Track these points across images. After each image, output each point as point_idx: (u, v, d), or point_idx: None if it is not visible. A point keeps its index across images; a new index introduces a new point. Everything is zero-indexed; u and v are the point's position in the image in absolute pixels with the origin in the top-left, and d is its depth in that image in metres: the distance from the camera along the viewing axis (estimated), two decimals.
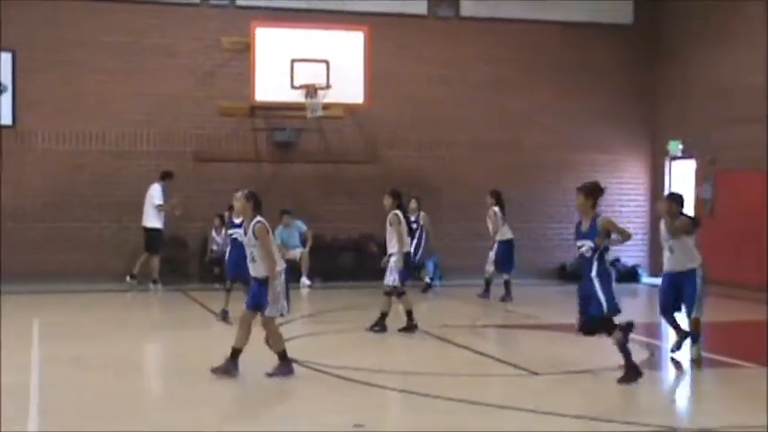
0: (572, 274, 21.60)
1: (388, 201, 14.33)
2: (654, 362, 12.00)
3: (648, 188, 23.20)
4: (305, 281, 20.11)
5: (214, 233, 20.11)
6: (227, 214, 15.16)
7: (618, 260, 22.71)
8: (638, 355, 11.97)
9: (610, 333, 10.57)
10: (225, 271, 15.62)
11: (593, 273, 10.53)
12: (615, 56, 22.98)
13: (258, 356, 11.04)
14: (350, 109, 20.51)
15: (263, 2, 20.88)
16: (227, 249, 15.12)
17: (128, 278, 19.52)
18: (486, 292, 18.33)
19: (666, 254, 11.94)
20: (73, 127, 20.40)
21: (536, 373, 10.97)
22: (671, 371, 11.93)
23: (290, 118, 20.69)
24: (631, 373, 10.52)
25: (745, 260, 19.85)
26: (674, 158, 22.65)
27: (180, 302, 18.20)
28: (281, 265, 10.83)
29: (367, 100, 19.79)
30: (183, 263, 20.85)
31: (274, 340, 10.92)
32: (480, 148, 22.24)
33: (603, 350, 11.23)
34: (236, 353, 10.84)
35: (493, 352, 12.72)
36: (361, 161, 21.46)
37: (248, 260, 10.92)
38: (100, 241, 20.41)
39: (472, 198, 19.66)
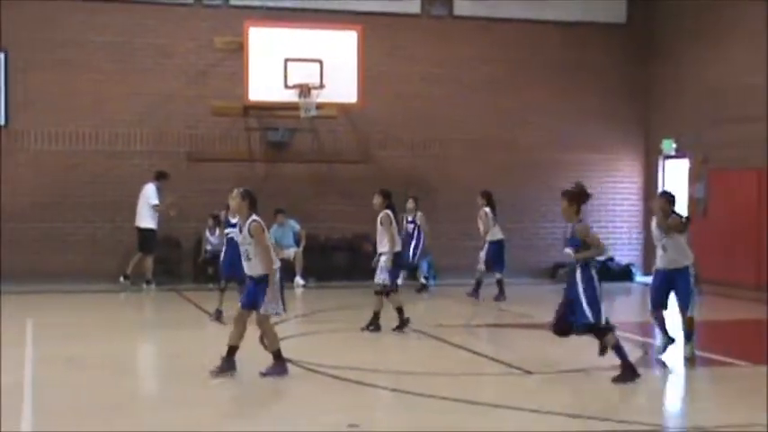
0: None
1: (377, 200, 14.34)
2: (647, 360, 12.00)
3: (642, 187, 23.22)
4: (299, 280, 20.10)
5: (208, 233, 20.11)
6: (223, 213, 15.15)
7: (612, 259, 22.76)
8: (632, 354, 12.00)
9: (602, 338, 10.56)
10: (219, 270, 15.61)
11: (578, 279, 10.52)
12: (609, 55, 23.00)
13: (253, 356, 11.04)
14: (343, 108, 20.50)
15: (256, 1, 20.83)
16: (223, 249, 15.09)
17: (121, 278, 19.48)
18: (475, 292, 18.34)
19: (659, 252, 11.95)
20: (66, 127, 20.36)
21: (530, 373, 10.97)
22: (666, 369, 11.92)
23: (283, 118, 20.67)
24: (628, 372, 10.52)
25: (739, 259, 19.89)
26: (668, 157, 22.67)
27: (174, 302, 18.17)
28: (275, 264, 10.83)
29: (360, 99, 19.77)
30: (177, 263, 20.81)
31: (269, 339, 10.92)
32: (474, 148, 22.25)
33: (594, 350, 11.21)
34: (232, 350, 10.86)
35: (487, 351, 12.72)
36: (354, 161, 21.45)
37: (243, 259, 10.92)
38: (93, 241, 20.37)
39: (466, 197, 19.65)
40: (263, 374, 10.72)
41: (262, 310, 10.74)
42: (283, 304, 10.90)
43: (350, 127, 21.53)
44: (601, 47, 22.94)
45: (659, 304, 12.01)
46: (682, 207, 21.51)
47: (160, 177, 19.81)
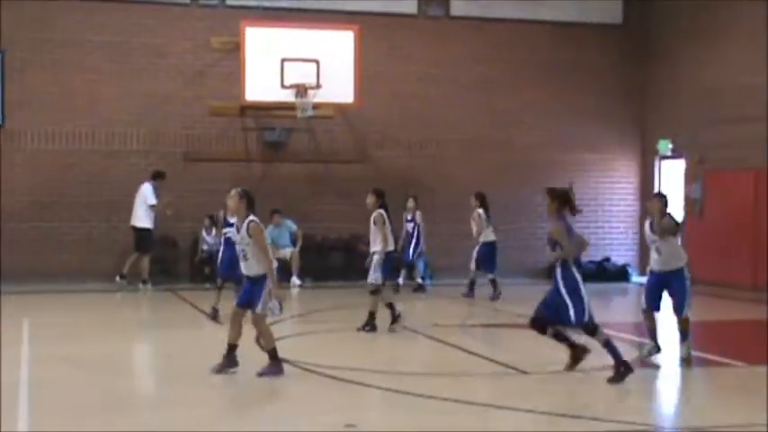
0: None
1: (371, 199, 14.35)
2: (644, 358, 11.98)
3: (638, 187, 23.25)
4: (295, 280, 20.11)
5: (204, 233, 20.12)
6: (221, 213, 15.15)
7: (608, 259, 22.80)
8: (629, 355, 12.01)
9: (593, 336, 10.57)
10: (217, 270, 15.63)
11: (558, 278, 10.53)
12: (605, 55, 23.03)
13: (249, 356, 11.04)
14: (340, 108, 20.51)
15: (252, 1, 20.86)
16: (221, 248, 15.10)
17: (117, 278, 19.47)
18: (470, 292, 18.40)
19: (654, 255, 11.92)
20: (62, 127, 20.36)
21: (526, 373, 10.97)
22: (661, 369, 11.93)
23: (280, 118, 20.69)
24: (622, 370, 10.51)
25: (735, 260, 19.92)
26: (664, 158, 22.71)
27: (170, 302, 18.18)
28: (273, 264, 10.87)
29: (357, 99, 19.79)
30: (174, 263, 20.82)
31: (265, 339, 10.93)
32: (470, 148, 22.27)
33: (592, 350, 11.22)
34: (231, 348, 10.93)
35: (483, 351, 12.72)
36: (351, 161, 21.46)
37: (240, 259, 10.94)
38: (89, 241, 20.37)
39: (462, 197, 19.66)
40: (260, 374, 10.73)
41: (258, 310, 10.75)
42: (280, 304, 10.93)
43: (347, 127, 21.55)
44: (597, 47, 22.97)
45: (652, 305, 12.00)
46: (678, 207, 21.61)
47: (157, 177, 19.81)
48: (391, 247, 14.42)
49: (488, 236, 18.53)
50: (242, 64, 19.32)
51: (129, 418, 9.15)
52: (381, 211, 14.24)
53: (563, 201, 10.66)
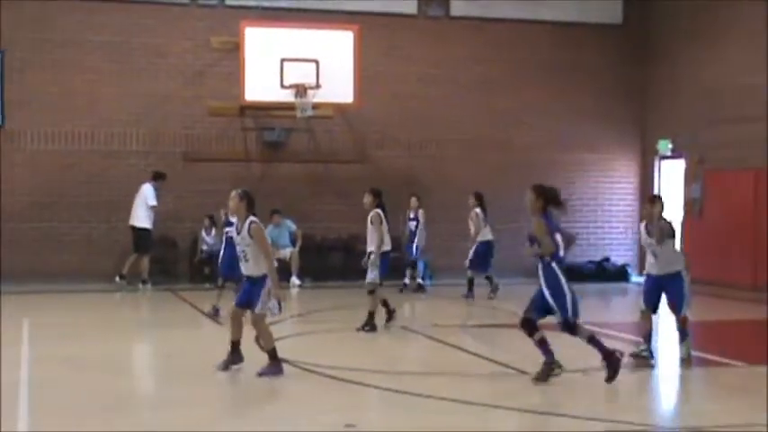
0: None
1: (368, 199, 14.37)
2: (634, 355, 11.94)
3: (638, 187, 23.25)
4: (295, 280, 20.11)
5: (204, 233, 20.11)
6: (223, 213, 15.17)
7: (608, 259, 22.80)
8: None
9: (574, 334, 10.54)
10: (217, 270, 15.65)
11: (540, 276, 10.50)
12: (605, 55, 23.03)
13: (249, 356, 11.07)
14: (340, 108, 20.52)
15: (252, 1, 20.84)
16: (222, 248, 15.13)
17: (117, 278, 19.47)
18: (470, 292, 18.43)
19: (650, 259, 11.88)
20: (62, 127, 20.36)
21: (526, 373, 10.98)
22: (661, 369, 11.93)
23: (279, 118, 20.69)
24: (612, 361, 10.46)
25: (734, 260, 19.92)
26: (664, 158, 22.70)
27: (170, 302, 18.17)
28: (274, 264, 10.89)
29: (357, 99, 19.79)
30: (173, 263, 20.82)
31: (264, 339, 10.94)
32: (470, 148, 22.27)
33: (592, 349, 11.22)
34: (235, 344, 11.04)
35: (483, 351, 12.72)
36: (350, 161, 21.46)
37: (240, 259, 10.96)
38: (89, 241, 20.37)
39: (462, 197, 19.65)
40: (259, 374, 10.73)
41: (257, 310, 10.77)
42: (280, 305, 10.94)
43: (346, 127, 21.55)
44: (597, 47, 22.98)
45: (651, 307, 11.97)
46: (677, 207, 21.61)
47: (158, 178, 19.81)
48: (388, 247, 14.42)
49: (485, 235, 18.58)
50: (242, 64, 19.32)
51: (129, 418, 9.15)
52: (378, 210, 14.25)
53: (548, 199, 10.59)
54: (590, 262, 22.64)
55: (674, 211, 21.39)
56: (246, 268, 10.90)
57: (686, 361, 11.70)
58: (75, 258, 20.11)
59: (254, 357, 10.99)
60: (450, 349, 13.02)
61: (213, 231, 19.64)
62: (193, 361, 11.89)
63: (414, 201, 19.62)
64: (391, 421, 9.16)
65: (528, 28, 22.59)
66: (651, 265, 11.86)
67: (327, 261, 21.36)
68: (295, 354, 11.72)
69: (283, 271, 18.27)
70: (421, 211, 19.60)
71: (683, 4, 21.96)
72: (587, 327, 10.66)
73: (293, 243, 20.35)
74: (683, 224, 21.26)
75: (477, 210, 18.57)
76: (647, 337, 11.88)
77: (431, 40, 22.16)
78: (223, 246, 15.03)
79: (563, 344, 10.84)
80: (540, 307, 10.51)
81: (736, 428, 8.93)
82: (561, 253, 10.47)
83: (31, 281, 19.17)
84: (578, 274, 21.93)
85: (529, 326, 10.59)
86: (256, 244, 10.76)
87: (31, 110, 20.07)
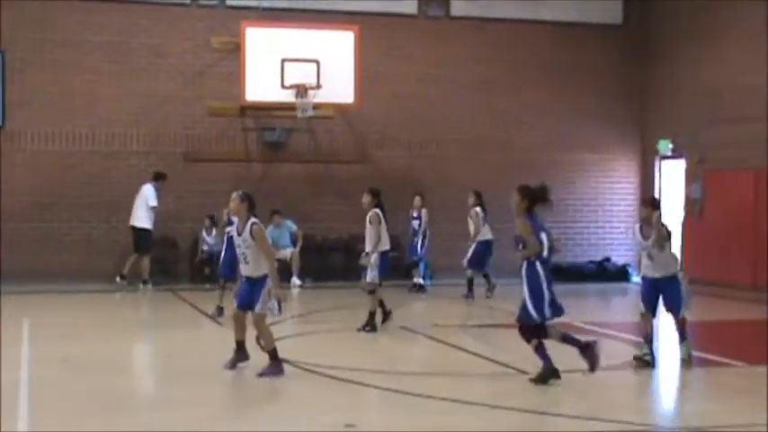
0: (564, 272, 21.69)
1: (366, 199, 14.38)
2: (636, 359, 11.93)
3: (639, 188, 23.25)
4: (295, 281, 20.11)
5: (204, 233, 20.12)
6: (225, 213, 15.18)
7: (608, 259, 22.80)
8: (628, 355, 12.03)
9: (545, 337, 10.48)
10: (218, 270, 15.68)
11: (523, 276, 10.47)
12: (605, 56, 23.03)
13: (250, 356, 11.07)
14: (340, 109, 20.52)
15: (252, 1, 20.85)
16: (223, 248, 15.13)
17: (118, 278, 19.47)
18: (470, 292, 18.43)
19: (646, 261, 11.86)
20: (62, 127, 20.36)
21: (526, 373, 10.97)
22: (661, 369, 11.92)
23: (280, 118, 20.69)
24: (588, 353, 10.43)
25: (735, 260, 19.91)
26: (664, 158, 22.70)
27: (170, 303, 18.17)
28: (274, 265, 10.90)
29: (357, 100, 19.79)
30: (174, 263, 20.82)
31: (265, 339, 10.95)
32: (470, 148, 22.27)
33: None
34: (240, 344, 11.09)
35: (483, 351, 12.72)
36: (351, 161, 21.46)
37: (240, 260, 10.96)
38: (89, 241, 20.37)
39: (462, 198, 19.64)
40: (260, 375, 10.74)
41: (257, 309, 10.78)
42: (280, 305, 10.95)
43: (347, 127, 21.55)
44: (597, 47, 22.98)
45: (650, 309, 11.95)
46: (678, 208, 21.62)
47: (158, 178, 19.81)
48: (387, 247, 14.43)
49: (485, 234, 18.57)
50: (242, 64, 19.32)
51: (129, 418, 9.15)
52: (377, 210, 14.26)
53: (533, 199, 10.55)
54: (591, 262, 22.65)
55: (674, 212, 21.47)
56: (246, 269, 10.91)
57: (687, 361, 11.69)
58: (76, 258, 20.12)
59: (255, 357, 11.00)
60: (451, 349, 13.02)
61: (214, 231, 19.64)
62: (194, 361, 11.89)
63: (417, 200, 19.63)
64: (391, 421, 9.17)
65: (528, 28, 22.60)
66: (647, 268, 11.84)
67: (328, 261, 21.36)
68: (296, 354, 11.72)
69: (284, 271, 18.22)
70: (424, 211, 19.60)
71: (683, 4, 21.96)
72: (557, 327, 10.59)
73: (294, 243, 20.35)
74: (684, 224, 21.32)
75: (477, 209, 18.57)
76: (648, 338, 11.87)
77: (431, 40, 22.16)
78: (224, 245, 15.02)
79: (559, 344, 10.83)
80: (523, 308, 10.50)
81: (737, 428, 8.93)
82: (545, 253, 10.43)
83: (31, 281, 19.17)
84: (579, 274, 22.03)
85: (525, 332, 10.57)
86: (258, 245, 10.77)
87: (31, 110, 20.08)
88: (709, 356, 12.22)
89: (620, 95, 23.09)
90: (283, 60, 19.30)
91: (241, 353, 11.11)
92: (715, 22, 20.97)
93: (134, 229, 19.62)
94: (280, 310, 10.99)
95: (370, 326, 14.19)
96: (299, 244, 20.43)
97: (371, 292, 14.28)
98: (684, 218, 21.42)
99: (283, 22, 20.37)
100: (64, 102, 20.28)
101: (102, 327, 15.06)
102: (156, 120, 20.74)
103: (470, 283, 18.49)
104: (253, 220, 10.89)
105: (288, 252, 20.01)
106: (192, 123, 20.94)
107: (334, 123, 21.24)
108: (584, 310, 17.16)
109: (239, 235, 10.95)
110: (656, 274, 11.69)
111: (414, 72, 21.99)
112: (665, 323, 12.37)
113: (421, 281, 19.84)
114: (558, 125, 22.68)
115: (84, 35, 20.44)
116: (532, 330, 10.48)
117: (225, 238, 15.05)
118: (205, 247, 20.08)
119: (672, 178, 22.41)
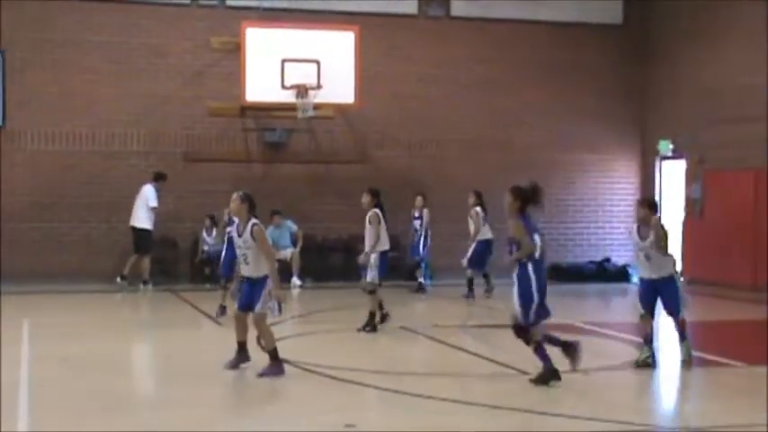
0: (564, 273, 21.72)
1: (366, 199, 14.38)
2: (638, 364, 11.92)
3: (639, 188, 23.25)
4: (295, 281, 20.11)
5: (205, 234, 20.11)
6: (226, 213, 15.19)
7: (608, 260, 22.80)
8: (629, 355, 12.03)
9: (527, 339, 10.48)
10: (219, 270, 15.68)
11: (514, 277, 10.47)
12: (605, 56, 23.03)
13: (250, 356, 11.08)
14: (340, 109, 20.51)
15: (252, 2, 20.85)
16: (224, 248, 15.13)
17: (118, 279, 19.47)
18: (470, 292, 18.43)
19: (643, 262, 11.86)
20: (62, 127, 20.37)
21: (526, 373, 10.97)
22: (661, 370, 11.92)
23: (280, 118, 20.69)
24: (569, 351, 10.46)
25: (735, 260, 19.91)
26: (665, 158, 22.70)
27: (170, 303, 18.17)
28: (275, 265, 10.91)
29: (357, 100, 19.79)
30: (174, 263, 20.82)
31: (266, 340, 10.95)
32: (471, 148, 22.27)
33: (591, 350, 11.24)
34: (241, 345, 11.10)
35: (483, 352, 12.71)
36: (351, 161, 21.46)
37: (241, 261, 10.96)
38: (89, 242, 20.38)
39: (462, 198, 19.65)
40: (260, 375, 10.74)
41: (257, 309, 10.78)
42: (280, 305, 10.95)
43: (347, 127, 21.56)
44: (597, 48, 22.99)
45: (649, 310, 11.94)
46: (678, 208, 21.62)
47: (159, 179, 19.81)
48: (386, 247, 14.42)
49: (485, 234, 18.56)
50: (242, 64, 19.32)
51: (129, 418, 9.15)
52: (377, 210, 14.26)
53: (526, 199, 10.54)
54: (591, 262, 22.65)
55: (674, 212, 21.49)
56: (247, 270, 10.91)
57: (687, 362, 11.68)
58: (75, 258, 20.12)
59: (256, 358, 11.01)
60: (451, 349, 13.02)
61: (214, 232, 19.64)
62: (194, 361, 11.89)
63: (419, 200, 19.64)
64: (391, 421, 9.17)
65: (528, 28, 22.60)
66: (644, 269, 11.83)
67: (328, 261, 21.36)
68: (296, 354, 11.72)
69: (284, 271, 18.24)
70: (426, 211, 19.61)
71: (683, 4, 21.96)
72: (542, 327, 10.58)
73: (294, 244, 20.35)
74: (684, 224, 21.33)
75: (477, 208, 18.56)
76: (648, 339, 11.86)
77: (431, 40, 22.16)
78: (225, 245, 15.02)
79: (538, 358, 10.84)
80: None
81: (737, 428, 8.93)
82: (537, 254, 10.43)
83: (31, 281, 19.17)
84: (579, 274, 22.04)
85: (521, 332, 10.57)
86: (258, 246, 10.77)
87: (31, 110, 20.08)
88: (709, 357, 12.22)
89: (620, 95, 23.09)
90: (283, 60, 19.30)
91: (242, 354, 11.12)
92: (715, 22, 20.98)
93: (134, 229, 19.63)
94: (280, 310, 10.99)
95: (370, 326, 14.19)
96: (300, 244, 20.43)
97: (371, 293, 14.28)
98: (685, 218, 21.43)
99: (283, 22, 20.38)
100: (64, 102, 20.28)
101: (103, 327, 15.05)
102: (156, 120, 20.75)
103: (470, 283, 18.49)
104: (253, 220, 10.89)
105: (288, 252, 20.00)
106: (191, 123, 20.94)
107: (334, 123, 21.24)
108: (584, 310, 17.21)
109: (240, 236, 10.95)
110: (653, 276, 11.68)
111: (414, 72, 21.99)
112: (664, 324, 12.35)
113: (422, 280, 19.84)
114: (558, 125, 22.68)
115: (84, 35, 20.44)
116: (517, 331, 10.49)
117: (225, 239, 15.06)
118: (205, 248, 20.07)
119: (672, 178, 22.41)
